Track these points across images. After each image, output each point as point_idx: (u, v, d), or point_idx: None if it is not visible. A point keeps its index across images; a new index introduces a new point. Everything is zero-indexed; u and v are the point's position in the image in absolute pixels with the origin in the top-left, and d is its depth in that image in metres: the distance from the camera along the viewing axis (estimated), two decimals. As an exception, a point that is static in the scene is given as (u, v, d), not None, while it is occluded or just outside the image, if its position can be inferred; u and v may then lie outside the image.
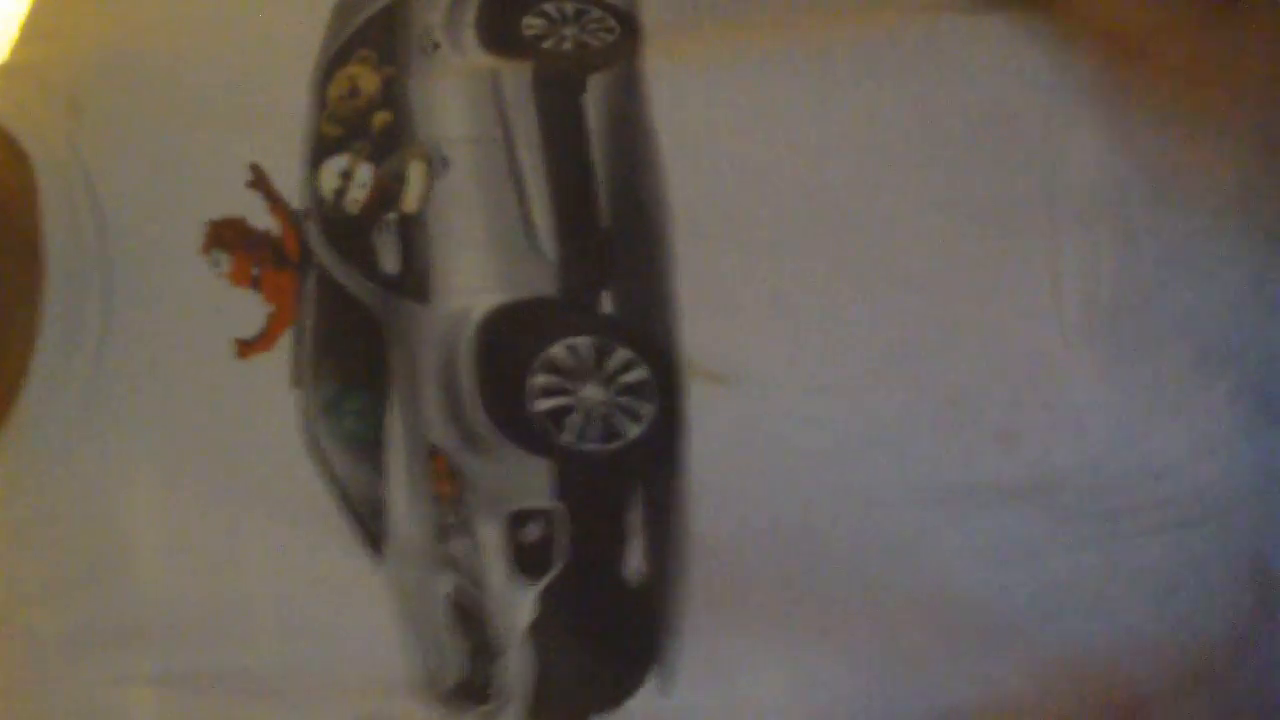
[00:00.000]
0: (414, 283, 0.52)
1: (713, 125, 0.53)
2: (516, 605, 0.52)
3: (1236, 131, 0.52)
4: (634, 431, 0.51)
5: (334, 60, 0.55)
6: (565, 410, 0.51)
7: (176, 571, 0.53)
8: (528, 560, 0.52)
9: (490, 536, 0.52)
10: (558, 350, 0.51)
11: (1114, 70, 0.53)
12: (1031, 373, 0.51)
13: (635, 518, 0.51)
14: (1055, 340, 0.51)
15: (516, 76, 0.54)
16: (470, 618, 0.52)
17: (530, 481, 0.51)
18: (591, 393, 0.51)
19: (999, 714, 0.52)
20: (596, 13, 0.55)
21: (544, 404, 0.51)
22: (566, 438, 0.51)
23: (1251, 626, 0.53)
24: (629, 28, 0.55)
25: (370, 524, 0.52)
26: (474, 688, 0.52)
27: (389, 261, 0.53)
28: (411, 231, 0.53)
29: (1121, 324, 0.51)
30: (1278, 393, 0.51)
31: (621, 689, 0.51)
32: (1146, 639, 0.52)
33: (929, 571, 0.51)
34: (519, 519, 0.52)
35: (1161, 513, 0.52)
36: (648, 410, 0.51)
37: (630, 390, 0.51)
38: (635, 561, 0.51)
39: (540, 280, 0.52)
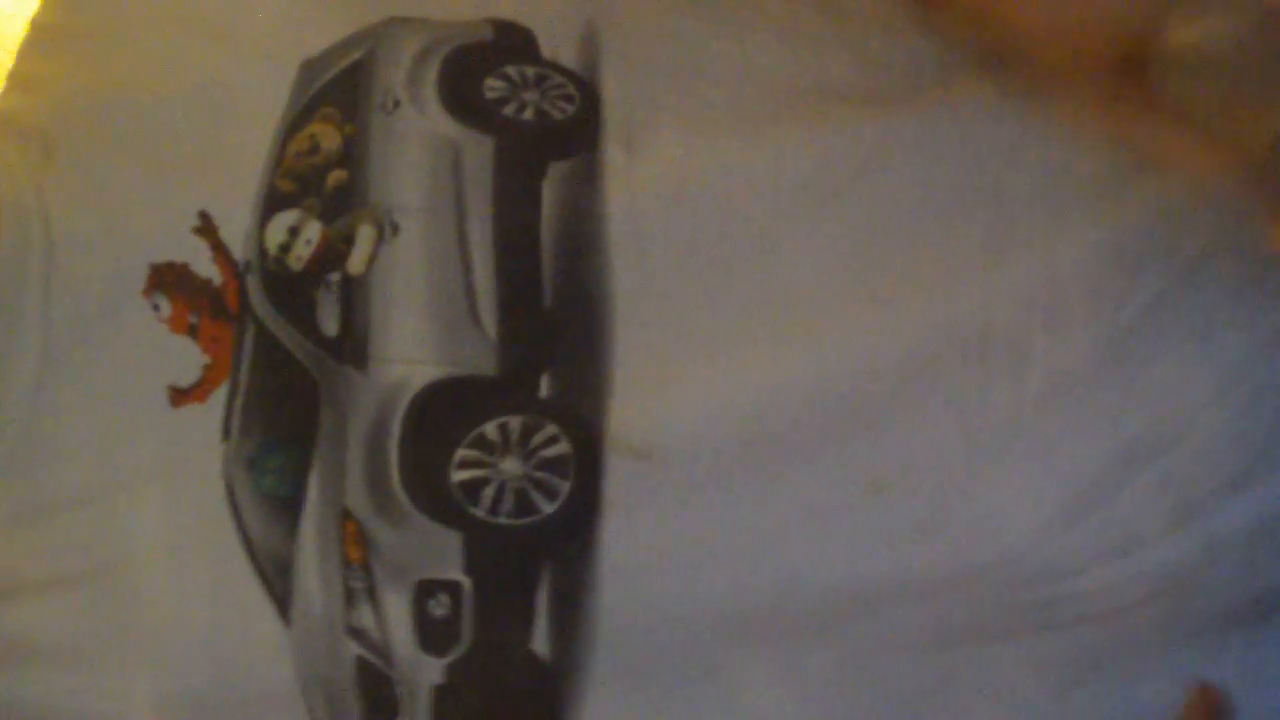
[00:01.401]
0: (352, 346, 0.52)
1: (664, 216, 0.53)
2: (423, 673, 0.51)
3: (1171, 225, 0.52)
4: (548, 508, 0.50)
5: (298, 116, 0.55)
6: (481, 483, 0.50)
7: (117, 590, 0.52)
8: (434, 635, 0.50)
9: (397, 607, 0.50)
10: (490, 428, 0.50)
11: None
12: (955, 464, 0.50)
13: (544, 597, 0.50)
14: (979, 433, 0.50)
15: (478, 150, 0.54)
16: (376, 683, 0.51)
17: (439, 553, 0.50)
18: (510, 466, 0.50)
19: None
20: (557, 79, 0.55)
21: (460, 475, 0.50)
22: (478, 511, 0.50)
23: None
24: (589, 97, 0.55)
25: (278, 585, 0.51)
26: None
27: (328, 322, 0.52)
28: (353, 294, 0.52)
29: (1047, 416, 0.50)
30: (1199, 490, 0.50)
31: None
32: None
33: (841, 656, 0.50)
34: (426, 590, 0.50)
35: (1077, 606, 0.50)
36: (564, 487, 0.50)
37: (549, 465, 0.50)
38: (542, 639, 0.50)
39: (479, 358, 0.51)
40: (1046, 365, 0.50)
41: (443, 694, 0.50)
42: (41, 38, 0.62)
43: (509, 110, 0.55)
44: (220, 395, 0.53)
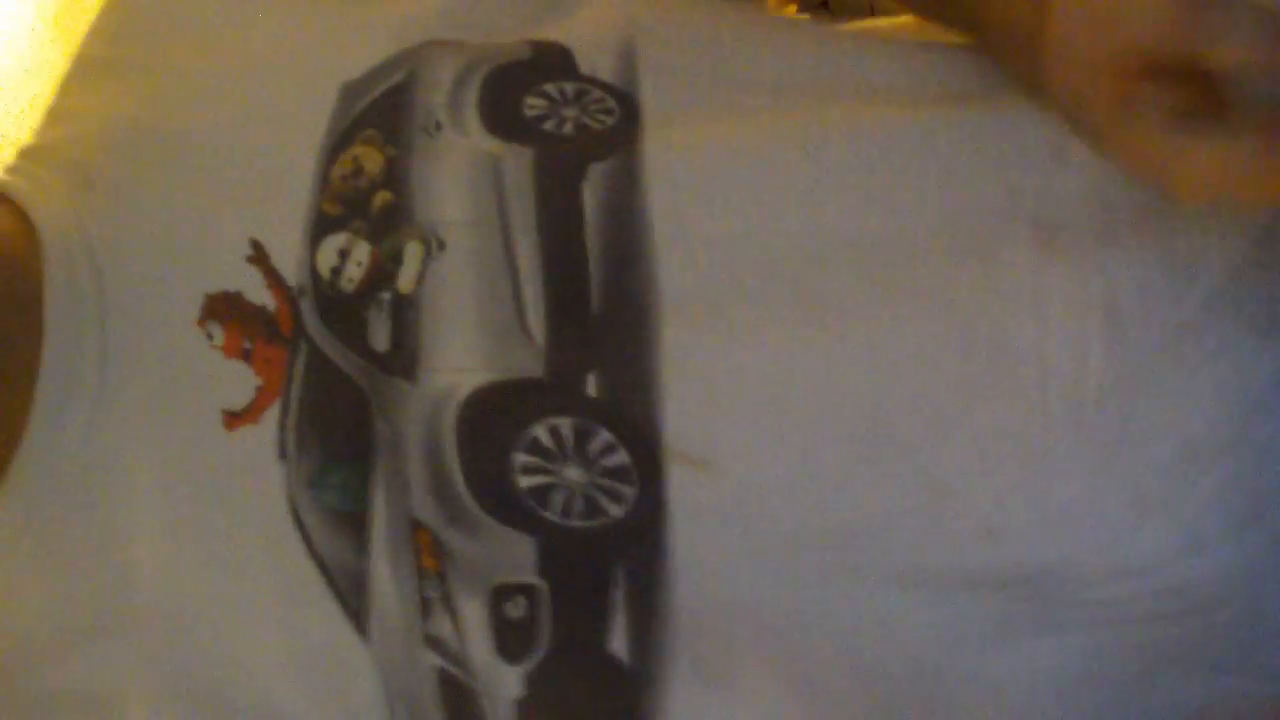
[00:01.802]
0: (403, 361, 0.53)
1: (707, 217, 0.54)
2: (502, 684, 0.51)
3: (1224, 221, 0.52)
4: (617, 511, 0.51)
5: (340, 140, 0.56)
6: (549, 488, 0.51)
7: (177, 633, 0.53)
8: (511, 640, 0.51)
9: (473, 613, 0.51)
10: (539, 430, 0.51)
11: (1106, 159, 0.53)
12: (1017, 468, 0.51)
13: (618, 595, 0.51)
14: (1041, 434, 0.51)
15: (518, 161, 0.54)
16: (457, 694, 0.52)
17: (514, 557, 0.51)
18: (573, 474, 0.51)
19: None
20: (596, 93, 0.56)
21: (528, 481, 0.51)
22: (551, 515, 0.51)
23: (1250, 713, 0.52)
24: (628, 109, 0.56)
25: (353, 600, 0.52)
26: None
27: (379, 339, 0.53)
28: (404, 311, 0.53)
29: (1107, 417, 0.51)
30: (1266, 489, 0.51)
31: None
32: None
33: (909, 651, 0.51)
34: (501, 594, 0.51)
35: (1146, 604, 0.51)
36: (629, 493, 0.51)
37: (611, 474, 0.51)
38: (619, 639, 0.51)
39: (527, 363, 0.52)
40: (1105, 367, 0.51)
41: (524, 707, 0.51)
42: (83, 71, 0.63)
43: (549, 126, 0.55)
44: (273, 416, 0.53)
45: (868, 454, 0.51)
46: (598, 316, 0.53)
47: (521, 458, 0.51)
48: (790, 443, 0.51)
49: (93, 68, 0.63)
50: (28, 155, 0.61)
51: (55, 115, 0.62)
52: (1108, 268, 0.52)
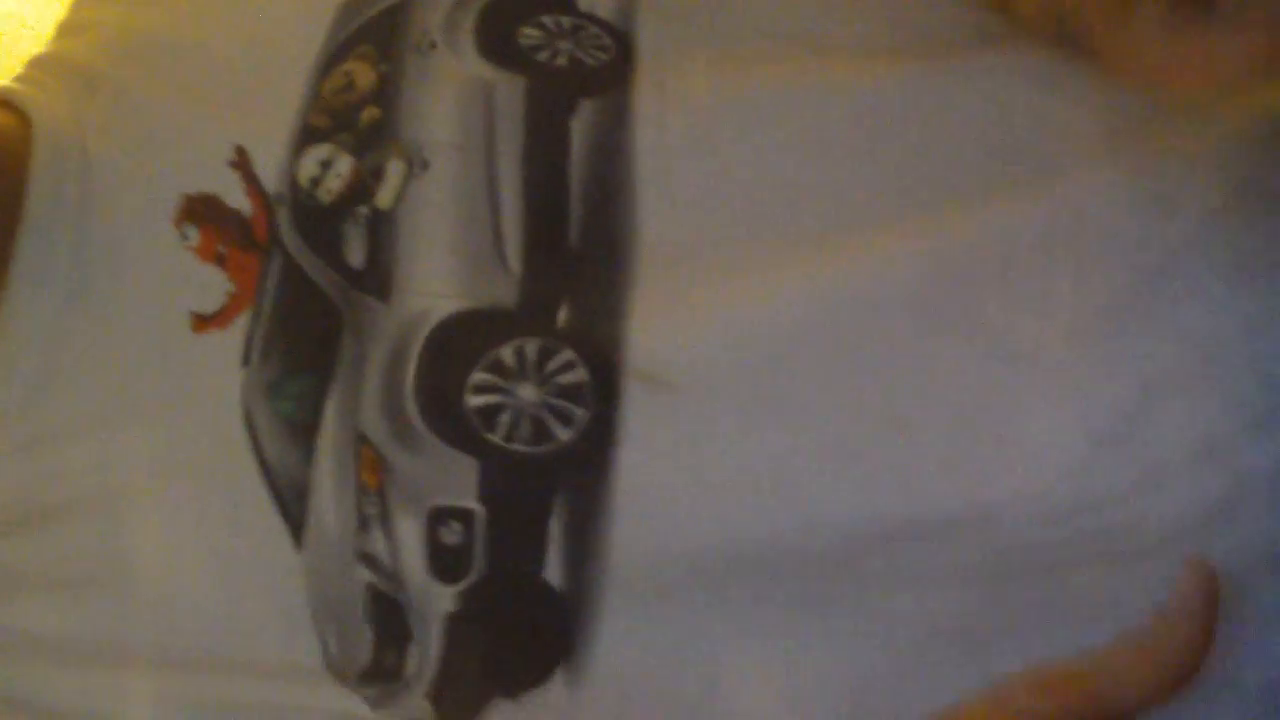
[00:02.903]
0: (377, 279, 0.52)
1: (692, 160, 0.53)
2: (434, 601, 0.50)
3: (1197, 168, 0.51)
4: (564, 435, 0.50)
5: (334, 55, 0.56)
6: (497, 409, 0.50)
7: (114, 524, 0.53)
8: (446, 562, 0.50)
9: (410, 533, 0.50)
10: (505, 351, 0.51)
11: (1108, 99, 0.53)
12: (978, 401, 0.50)
13: (556, 527, 0.50)
14: (1002, 368, 0.50)
15: (510, 89, 0.54)
16: (387, 609, 0.51)
17: (454, 479, 0.50)
18: (526, 393, 0.50)
19: None
20: (593, 29, 0.56)
21: (476, 400, 0.50)
22: (494, 437, 0.50)
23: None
24: (624, 47, 0.55)
25: (294, 509, 0.51)
26: (382, 670, 0.51)
27: (355, 255, 0.53)
28: (381, 227, 0.53)
29: (1070, 354, 0.50)
30: (1225, 431, 0.49)
31: (527, 681, 0.50)
32: None
33: (855, 595, 0.50)
34: (439, 517, 0.50)
35: (1099, 545, 0.49)
36: (580, 414, 0.50)
37: (565, 392, 0.50)
38: (554, 570, 0.50)
39: (501, 291, 0.52)
40: (1073, 302, 0.50)
41: (455, 622, 0.50)
42: None
43: (543, 57, 0.55)
44: (242, 323, 0.53)
45: (823, 381, 0.50)
46: (575, 251, 0.52)
47: (478, 376, 0.50)
48: (749, 368, 0.50)
49: None
50: (37, 64, 0.62)
51: (66, 28, 0.63)
52: (1079, 206, 0.51)
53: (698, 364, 0.50)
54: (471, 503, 0.50)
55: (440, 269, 0.52)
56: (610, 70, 0.55)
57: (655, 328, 0.50)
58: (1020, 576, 0.50)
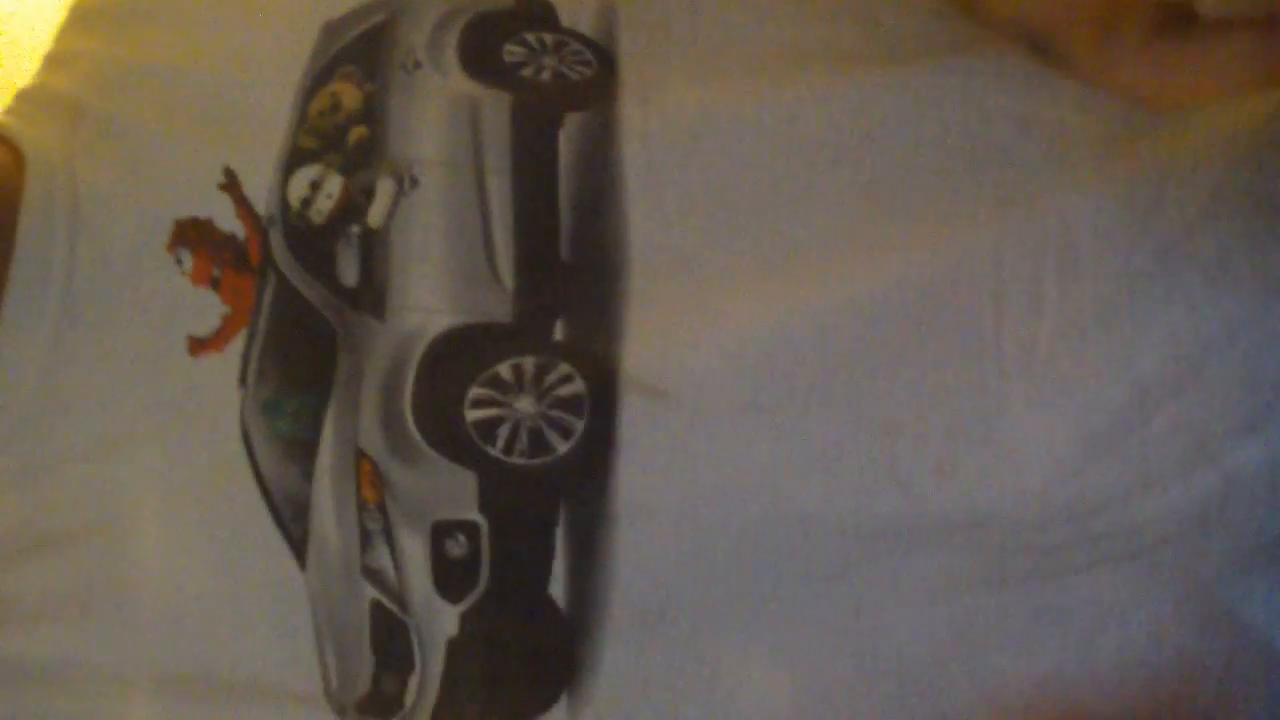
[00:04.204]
0: (371, 297, 0.52)
1: (679, 170, 0.54)
2: (438, 622, 0.50)
3: (1181, 172, 0.52)
4: (563, 447, 0.50)
5: (319, 76, 0.56)
6: (496, 422, 0.50)
7: (117, 548, 0.53)
8: (451, 577, 0.50)
9: (413, 549, 0.50)
10: (503, 368, 0.51)
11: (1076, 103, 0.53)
12: (969, 406, 0.50)
13: (560, 537, 0.50)
14: (993, 373, 0.50)
15: (495, 105, 0.55)
16: (389, 628, 0.51)
17: (454, 493, 0.50)
18: (524, 405, 0.50)
19: None
20: (575, 46, 0.56)
21: (475, 414, 0.50)
22: (493, 450, 0.50)
23: (1203, 656, 0.50)
24: (606, 62, 0.56)
25: (294, 528, 0.51)
26: (381, 699, 0.51)
27: (348, 273, 0.53)
28: (373, 246, 0.53)
29: (1060, 357, 0.50)
30: (1215, 431, 0.50)
31: (530, 709, 0.50)
32: (1070, 681, 0.49)
33: (854, 604, 0.50)
34: (442, 531, 0.50)
35: (1094, 549, 0.50)
36: (578, 426, 0.50)
37: (563, 404, 0.50)
38: (559, 584, 0.50)
39: (495, 307, 0.52)
40: (1060, 308, 0.50)
41: (456, 648, 0.50)
42: (77, 19, 0.64)
43: (527, 73, 0.56)
44: (238, 345, 0.53)
45: (819, 388, 0.50)
46: (567, 264, 0.52)
47: (476, 391, 0.51)
48: (743, 377, 0.50)
49: (85, 17, 0.64)
50: (24, 97, 0.62)
51: (52, 61, 0.63)
52: (1065, 213, 0.51)
53: (693, 375, 0.50)
54: (474, 515, 0.50)
55: (433, 285, 0.52)
56: (594, 85, 0.55)
57: (651, 341, 0.51)
58: (1016, 580, 0.50)
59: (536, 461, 0.50)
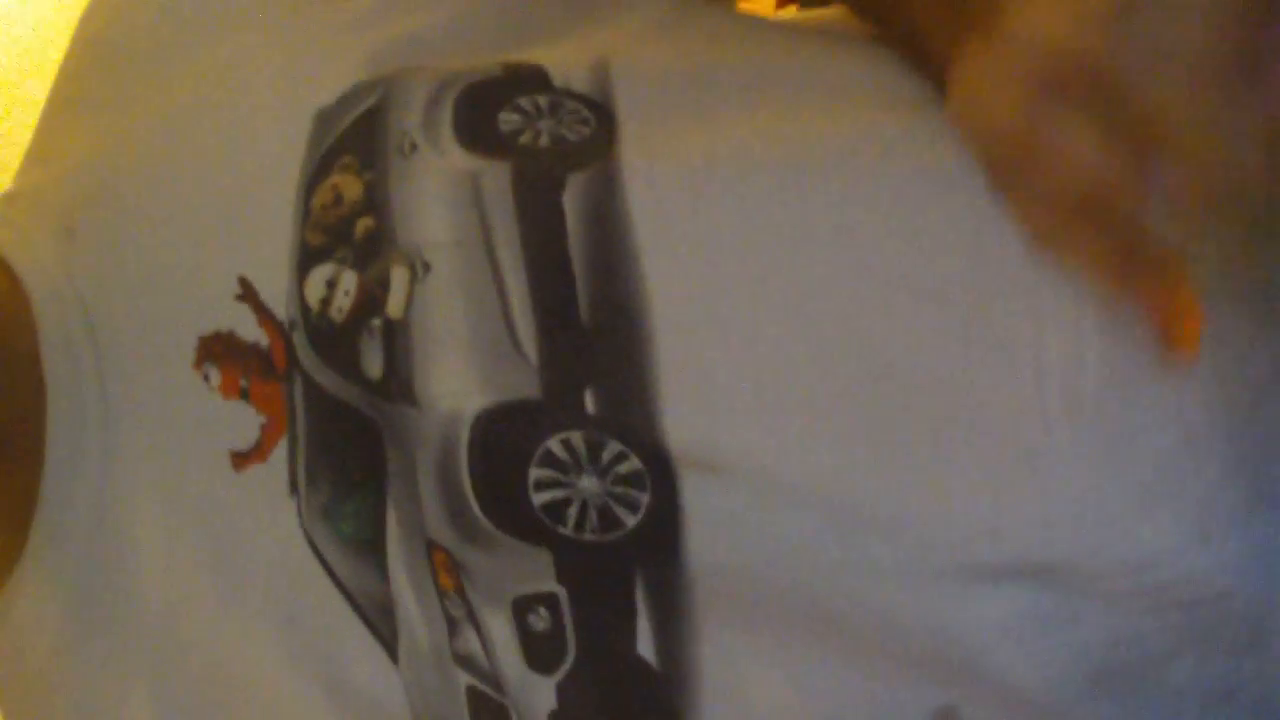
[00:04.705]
0: (398, 387, 0.52)
1: (690, 220, 0.53)
2: (536, 698, 0.52)
3: (1216, 213, 0.51)
4: (631, 521, 0.51)
5: (318, 168, 0.55)
6: (564, 504, 0.51)
7: (194, 685, 0.53)
8: (540, 651, 0.52)
9: (499, 628, 0.52)
10: (554, 444, 0.51)
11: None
12: (1015, 467, 0.50)
13: (640, 598, 0.51)
14: (1038, 432, 0.50)
15: (496, 176, 0.54)
16: (488, 711, 0.52)
17: (531, 569, 0.51)
18: (588, 484, 0.51)
19: None
20: (571, 105, 0.55)
21: (541, 497, 0.51)
22: (565, 530, 0.51)
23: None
24: (604, 118, 0.55)
25: (383, 627, 0.53)
26: None
27: (372, 366, 0.53)
28: (395, 336, 0.53)
29: (1106, 411, 0.50)
30: (1271, 475, 0.50)
31: None
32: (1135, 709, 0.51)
33: (928, 642, 0.51)
34: (523, 606, 0.51)
35: (1152, 597, 0.50)
36: (643, 500, 0.51)
37: (625, 481, 0.51)
38: (645, 643, 0.51)
39: (523, 383, 0.51)
40: (1103, 361, 0.50)
41: (558, 717, 0.51)
42: (56, 111, 0.63)
43: (525, 139, 0.55)
44: (281, 452, 0.54)
45: (867, 455, 0.51)
46: (588, 328, 0.52)
47: (536, 473, 0.51)
48: (789, 447, 0.51)
49: (66, 107, 0.62)
50: (8, 202, 0.61)
51: (33, 158, 0.62)
52: None
53: (740, 449, 0.51)
54: (552, 585, 0.51)
55: (459, 368, 0.52)
56: (594, 142, 0.54)
57: (689, 420, 0.50)
58: (1083, 623, 0.51)
59: (610, 537, 0.51)
